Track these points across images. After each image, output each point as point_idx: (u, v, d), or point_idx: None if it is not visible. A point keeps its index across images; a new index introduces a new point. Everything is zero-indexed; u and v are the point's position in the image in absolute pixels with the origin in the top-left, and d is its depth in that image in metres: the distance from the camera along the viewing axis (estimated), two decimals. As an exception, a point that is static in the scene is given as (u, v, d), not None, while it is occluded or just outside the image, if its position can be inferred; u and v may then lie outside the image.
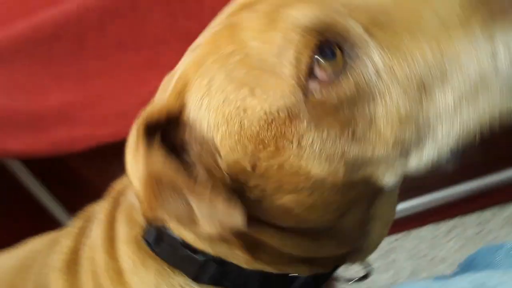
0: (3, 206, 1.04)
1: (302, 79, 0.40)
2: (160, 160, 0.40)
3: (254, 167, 0.43)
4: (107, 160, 1.04)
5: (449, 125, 0.42)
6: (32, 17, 0.82)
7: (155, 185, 0.40)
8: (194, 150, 0.43)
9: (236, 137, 0.42)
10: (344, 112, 0.41)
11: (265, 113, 0.41)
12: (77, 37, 0.83)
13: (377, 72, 0.40)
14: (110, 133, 0.84)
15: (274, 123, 0.41)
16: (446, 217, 1.26)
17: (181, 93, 0.44)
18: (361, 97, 0.40)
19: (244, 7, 0.45)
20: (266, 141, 0.42)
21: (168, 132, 0.43)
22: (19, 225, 1.03)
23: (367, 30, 0.41)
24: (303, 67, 0.39)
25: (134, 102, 0.84)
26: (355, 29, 0.41)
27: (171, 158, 0.41)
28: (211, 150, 0.43)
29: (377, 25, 0.41)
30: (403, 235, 1.26)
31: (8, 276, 0.63)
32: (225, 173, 0.43)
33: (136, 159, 0.42)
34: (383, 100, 0.41)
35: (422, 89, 0.41)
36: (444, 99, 0.41)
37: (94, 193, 1.08)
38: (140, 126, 0.41)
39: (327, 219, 0.49)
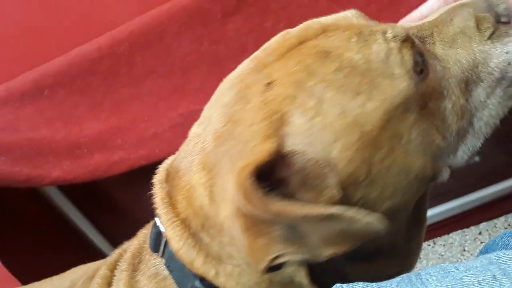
0: (43, 234, 1.09)
1: (412, 73, 0.46)
2: (281, 203, 0.39)
3: (367, 174, 0.44)
4: (142, 185, 1.09)
5: (483, 116, 0.51)
6: (70, 53, 0.89)
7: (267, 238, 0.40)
8: (295, 182, 0.42)
9: (356, 146, 0.43)
10: (432, 104, 0.47)
11: (385, 113, 0.44)
12: (110, 69, 0.89)
13: (441, 73, 0.49)
14: (144, 155, 0.88)
15: (392, 120, 0.45)
16: (473, 223, 1.26)
17: (277, 129, 0.42)
18: (437, 93, 0.48)
19: (302, 42, 0.47)
20: (382, 142, 0.44)
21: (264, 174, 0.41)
22: (58, 253, 1.08)
23: (426, 41, 0.51)
24: (410, 65, 0.46)
25: (166, 125, 0.89)
26: (418, 42, 0.49)
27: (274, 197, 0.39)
28: (322, 172, 0.43)
29: (422, 40, 0.50)
30: (431, 242, 1.26)
31: None
32: (337, 191, 0.43)
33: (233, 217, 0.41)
34: (449, 94, 0.49)
35: (467, 85, 0.50)
36: (478, 93, 0.50)
37: (131, 218, 1.13)
38: (247, 180, 0.38)
39: (395, 229, 0.49)
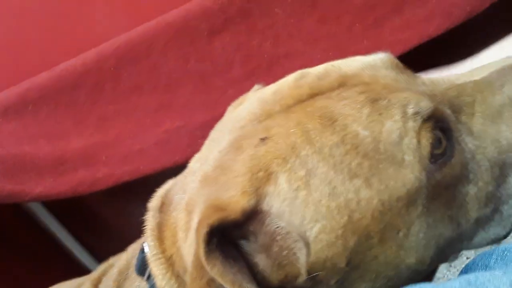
0: (26, 249, 1.08)
1: (427, 162, 0.40)
2: (220, 268, 0.38)
3: (348, 262, 0.40)
4: (127, 200, 1.08)
5: None
6: (56, 67, 0.88)
7: (205, 284, 0.39)
8: (261, 242, 0.40)
9: (340, 232, 0.39)
10: (449, 192, 0.42)
11: (382, 204, 0.39)
12: (96, 85, 0.88)
13: (471, 153, 0.43)
14: (128, 171, 0.87)
15: (389, 213, 0.39)
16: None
17: (259, 187, 0.40)
18: (460, 177, 0.42)
19: (313, 95, 0.43)
20: (372, 234, 0.40)
21: (230, 228, 0.40)
22: (42, 269, 1.06)
23: (453, 114, 0.44)
24: (427, 151, 0.40)
25: (151, 141, 0.88)
26: (449, 113, 0.43)
27: (230, 265, 0.38)
28: (290, 246, 0.40)
29: (457, 110, 0.44)
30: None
31: None
32: (303, 272, 0.40)
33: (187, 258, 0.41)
34: (476, 179, 0.43)
35: (503, 169, 0.44)
36: None
37: (116, 234, 1.11)
38: (203, 232, 0.38)
39: None
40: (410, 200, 0.40)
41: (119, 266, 0.57)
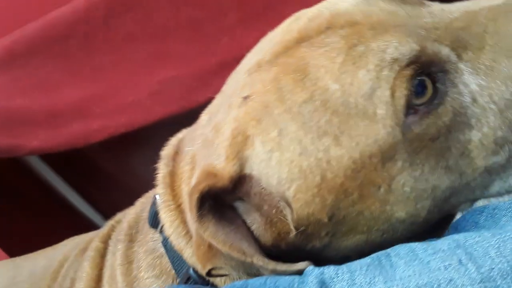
0: (30, 205, 1.09)
1: (401, 116, 0.37)
2: (212, 230, 0.39)
3: (331, 217, 0.39)
4: (126, 151, 1.08)
5: None
6: (45, 17, 0.86)
7: (208, 249, 0.40)
8: (253, 202, 0.41)
9: (315, 190, 0.38)
10: (440, 142, 0.38)
11: (354, 162, 0.37)
12: (87, 34, 0.86)
13: (473, 96, 0.38)
14: (124, 123, 0.87)
15: (363, 170, 0.38)
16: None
17: (239, 152, 0.40)
18: (457, 125, 0.38)
19: (300, 41, 0.40)
20: (350, 190, 0.38)
21: (222, 192, 0.40)
22: (48, 224, 1.08)
23: (455, 51, 0.39)
24: (402, 103, 0.36)
25: (145, 91, 0.87)
26: (444, 53, 0.38)
27: (223, 226, 0.39)
28: (277, 204, 0.40)
29: (462, 45, 0.39)
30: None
31: (42, 277, 0.65)
32: (292, 227, 0.40)
33: (191, 224, 0.41)
34: (479, 125, 0.38)
35: None
36: None
37: (115, 185, 1.12)
38: (194, 198, 0.39)
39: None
40: (385, 156, 0.37)
41: (128, 221, 0.57)
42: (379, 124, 0.37)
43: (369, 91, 0.37)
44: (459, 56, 0.39)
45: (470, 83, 0.38)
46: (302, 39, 0.40)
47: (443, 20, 0.40)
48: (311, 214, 0.39)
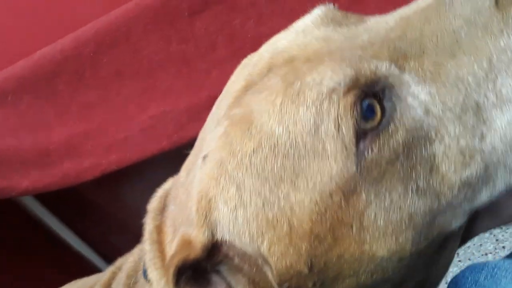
0: (21, 244, 1.06)
1: (351, 146, 0.34)
2: None
3: (311, 266, 0.37)
4: (118, 185, 1.07)
5: None
6: (33, 55, 0.85)
7: None
8: (233, 264, 0.39)
9: (287, 240, 0.36)
10: (402, 165, 0.35)
11: (316, 204, 0.35)
12: (76, 71, 0.86)
13: (425, 106, 0.35)
14: (115, 160, 0.86)
15: (328, 211, 0.35)
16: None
17: (207, 217, 0.38)
18: (415, 140, 0.35)
19: (247, 88, 0.39)
20: (322, 235, 0.36)
21: (199, 261, 0.39)
22: (39, 261, 1.05)
23: (395, 63, 0.36)
24: (349, 133, 0.34)
25: (136, 128, 0.87)
26: (384, 68, 0.36)
27: None
28: (256, 262, 0.38)
29: (402, 55, 0.36)
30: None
31: None
32: (275, 284, 0.37)
33: None
34: (439, 136, 0.35)
35: (479, 113, 0.35)
36: (505, 117, 0.35)
37: (108, 220, 1.10)
38: (170, 272, 0.37)
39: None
40: (346, 192, 0.35)
41: (127, 270, 0.55)
42: (330, 160, 0.34)
43: (314, 127, 0.35)
44: (401, 68, 0.36)
45: (418, 93, 0.35)
46: (248, 87, 0.39)
47: (379, 34, 0.37)
48: (290, 267, 0.37)
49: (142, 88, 0.85)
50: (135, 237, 0.57)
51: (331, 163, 0.34)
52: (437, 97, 0.35)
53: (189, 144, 0.49)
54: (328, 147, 0.34)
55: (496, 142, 0.36)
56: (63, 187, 0.87)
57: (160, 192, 0.52)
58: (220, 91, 0.48)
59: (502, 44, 0.35)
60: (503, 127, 0.35)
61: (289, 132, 0.35)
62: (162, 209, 0.49)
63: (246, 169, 0.37)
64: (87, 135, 0.85)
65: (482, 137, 0.35)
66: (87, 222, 1.13)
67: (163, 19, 0.84)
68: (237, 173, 0.37)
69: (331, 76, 0.35)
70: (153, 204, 0.50)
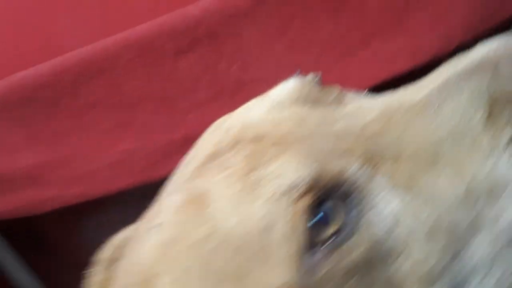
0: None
1: (300, 258, 0.30)
2: None
3: None
4: (78, 220, 1.02)
5: (492, 273, 0.32)
6: (10, 78, 0.83)
7: None
8: None
9: None
10: (357, 282, 0.31)
11: None
12: (52, 97, 0.84)
13: (393, 218, 0.31)
14: (78, 193, 0.83)
15: None
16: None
17: None
18: (377, 257, 0.31)
19: (213, 158, 0.36)
20: None
21: None
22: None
23: (368, 163, 0.33)
24: (300, 243, 0.30)
25: (105, 161, 0.84)
26: (353, 169, 0.32)
27: None
28: None
29: (378, 155, 0.33)
30: None
31: None
32: None
33: None
34: (405, 254, 0.31)
35: (452, 234, 0.32)
36: (484, 240, 0.32)
37: (63, 257, 1.05)
38: None
39: None
40: None
41: None
42: (276, 269, 0.30)
43: (266, 227, 0.30)
44: (373, 170, 0.32)
45: (388, 202, 0.32)
46: (214, 156, 0.36)
47: (357, 124, 0.34)
48: None
49: (117, 122, 0.83)
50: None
51: (277, 273, 0.30)
52: (408, 209, 0.32)
53: (159, 184, 0.47)
54: (276, 254, 0.30)
55: (468, 266, 0.32)
56: (21, 216, 0.83)
57: (115, 240, 0.48)
58: (197, 133, 0.47)
59: (487, 167, 0.31)
60: (479, 254, 0.32)
61: (243, 226, 0.31)
62: (114, 261, 0.45)
63: (194, 258, 0.33)
64: (53, 164, 0.82)
65: (454, 259, 0.32)
66: (39, 256, 1.07)
67: (148, 56, 0.83)
68: (184, 259, 0.33)
69: (293, 171, 0.31)
70: (105, 253, 0.46)
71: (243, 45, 0.82)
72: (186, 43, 0.81)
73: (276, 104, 0.38)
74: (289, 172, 0.31)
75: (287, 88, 0.40)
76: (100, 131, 0.84)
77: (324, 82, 0.51)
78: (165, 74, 0.84)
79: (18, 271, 1.06)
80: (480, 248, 0.31)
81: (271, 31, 0.82)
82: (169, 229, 0.35)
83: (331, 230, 0.31)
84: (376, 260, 0.31)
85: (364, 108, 0.36)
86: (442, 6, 0.80)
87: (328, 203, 0.31)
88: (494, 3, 0.78)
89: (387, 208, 0.32)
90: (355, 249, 0.31)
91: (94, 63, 0.85)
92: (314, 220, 0.31)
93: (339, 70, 0.81)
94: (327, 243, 0.31)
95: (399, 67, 0.79)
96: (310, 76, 0.42)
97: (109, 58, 0.84)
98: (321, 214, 0.31)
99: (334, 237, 0.31)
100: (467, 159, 0.31)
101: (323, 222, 0.31)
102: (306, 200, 0.31)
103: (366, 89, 0.78)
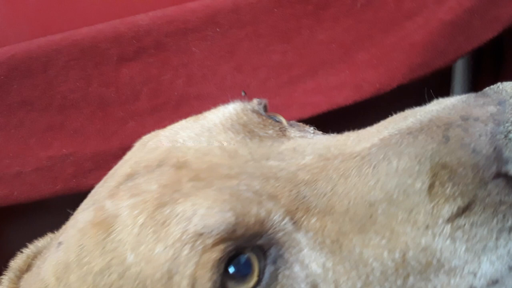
0: None
1: None
2: None
3: None
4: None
5: None
6: None
7: None
8: None
9: None
10: None
11: None
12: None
13: (312, 281, 0.28)
14: (4, 195, 0.77)
15: None
16: None
17: None
18: None
19: (129, 178, 0.34)
20: None
21: None
22: None
23: (292, 215, 0.30)
24: None
25: (32, 165, 0.79)
26: (276, 219, 0.29)
27: None
28: None
29: (304, 206, 0.30)
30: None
31: None
32: None
33: None
34: None
35: None
36: None
37: None
38: None
39: None
40: None
41: None
42: None
43: (166, 275, 0.27)
44: (297, 223, 0.29)
45: (309, 262, 0.28)
46: (131, 176, 0.34)
47: (290, 167, 0.31)
48: None
49: (48, 124, 0.79)
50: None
51: None
52: (330, 274, 0.28)
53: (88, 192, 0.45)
54: None
55: None
56: None
57: (31, 248, 0.45)
58: (132, 144, 0.45)
59: (423, 242, 0.28)
60: None
61: (141, 267, 0.28)
62: (25, 271, 0.41)
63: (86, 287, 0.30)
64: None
65: None
66: None
67: (88, 59, 0.80)
68: (76, 286, 0.31)
69: (203, 215, 0.28)
70: (16, 261, 0.43)
71: (190, 60, 0.81)
72: (132, 51, 0.79)
73: (210, 129, 0.35)
74: (200, 216, 0.28)
75: (225, 112, 0.37)
76: (29, 132, 0.79)
77: (269, 107, 0.51)
78: (105, 80, 0.81)
79: None
80: None
81: (219, 50, 0.81)
82: (68, 251, 0.33)
83: (245, 286, 0.28)
84: None
85: (301, 149, 0.33)
86: (385, 48, 0.83)
87: (245, 254, 0.28)
88: (436, 50, 0.82)
89: (306, 269, 0.28)
90: None
91: (29, 60, 0.80)
92: (225, 275, 0.28)
93: (283, 96, 0.81)
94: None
95: (342, 99, 0.81)
96: (255, 102, 0.39)
97: (46, 56, 0.80)
98: (240, 263, 0.28)
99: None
100: (401, 229, 0.28)
101: (236, 278, 0.28)
102: (216, 253, 0.27)
103: (308, 117, 0.80)
